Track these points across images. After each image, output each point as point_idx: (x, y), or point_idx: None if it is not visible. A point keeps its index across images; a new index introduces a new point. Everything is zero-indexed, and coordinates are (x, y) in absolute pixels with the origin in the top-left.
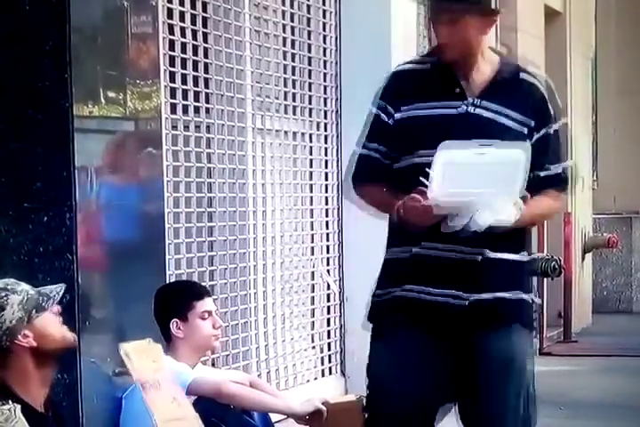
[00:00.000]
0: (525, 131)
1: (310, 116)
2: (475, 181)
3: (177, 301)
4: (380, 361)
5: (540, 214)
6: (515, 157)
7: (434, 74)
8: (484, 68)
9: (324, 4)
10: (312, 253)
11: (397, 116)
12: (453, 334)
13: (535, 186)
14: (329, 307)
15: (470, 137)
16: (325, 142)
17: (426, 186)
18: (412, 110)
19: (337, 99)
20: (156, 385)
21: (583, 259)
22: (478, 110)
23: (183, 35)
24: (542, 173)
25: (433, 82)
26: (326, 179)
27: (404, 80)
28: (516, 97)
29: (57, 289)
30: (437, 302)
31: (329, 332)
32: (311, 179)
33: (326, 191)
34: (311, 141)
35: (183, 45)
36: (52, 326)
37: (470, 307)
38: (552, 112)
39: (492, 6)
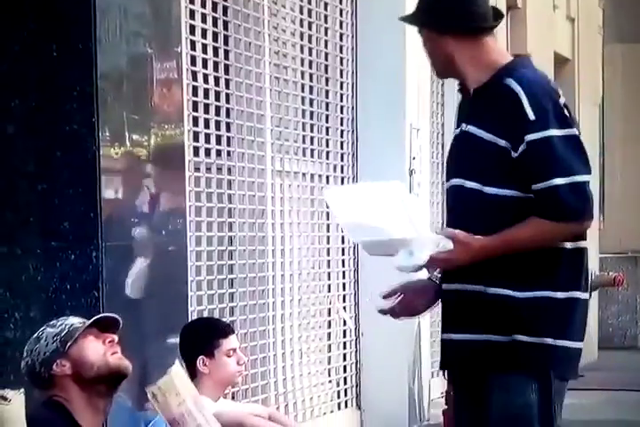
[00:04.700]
0: (503, 143)
1: (327, 158)
2: (374, 217)
3: (203, 338)
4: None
5: (512, 247)
6: (393, 188)
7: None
8: (481, 80)
9: (341, 51)
10: (329, 291)
11: None
12: (466, 383)
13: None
14: (345, 342)
15: (461, 157)
16: (342, 184)
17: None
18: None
19: (353, 142)
20: (181, 420)
21: (590, 297)
22: (470, 127)
23: (206, 81)
24: (532, 195)
25: (461, 102)
26: None
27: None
28: (497, 107)
29: (82, 320)
30: (443, 344)
31: (345, 366)
32: (328, 219)
33: (342, 231)
34: (328, 183)
35: (206, 91)
36: (90, 353)
37: (455, 349)
38: (531, 118)
39: (436, 20)
